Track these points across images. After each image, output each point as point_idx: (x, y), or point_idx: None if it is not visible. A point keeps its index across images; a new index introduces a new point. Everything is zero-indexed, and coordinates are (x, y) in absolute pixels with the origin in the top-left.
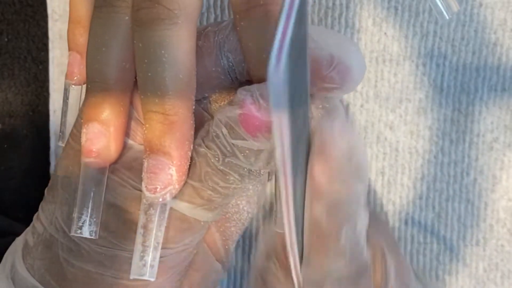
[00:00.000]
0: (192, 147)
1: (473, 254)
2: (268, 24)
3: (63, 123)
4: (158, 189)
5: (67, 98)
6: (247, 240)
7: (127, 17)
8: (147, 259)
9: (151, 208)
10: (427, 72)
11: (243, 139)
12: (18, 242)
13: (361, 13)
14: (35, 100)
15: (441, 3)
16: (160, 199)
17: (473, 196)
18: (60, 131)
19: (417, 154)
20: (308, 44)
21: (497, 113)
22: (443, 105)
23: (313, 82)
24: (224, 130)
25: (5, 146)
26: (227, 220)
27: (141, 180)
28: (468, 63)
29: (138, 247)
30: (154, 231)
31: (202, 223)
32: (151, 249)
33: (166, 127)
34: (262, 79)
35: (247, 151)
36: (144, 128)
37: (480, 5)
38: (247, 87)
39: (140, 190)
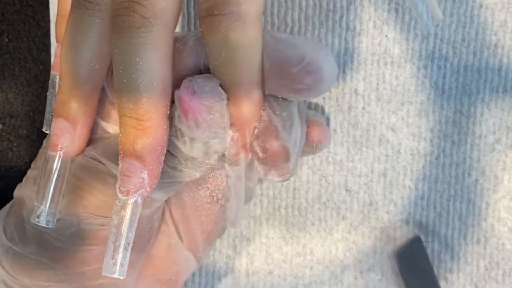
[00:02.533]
0: (165, 151)
1: (474, 253)
2: (222, 32)
3: (48, 111)
4: (130, 192)
5: (53, 88)
6: (249, 240)
7: (98, 20)
8: (118, 258)
9: (123, 210)
10: (429, 74)
11: (183, 122)
12: (7, 205)
13: (362, 15)
14: (36, 100)
15: (426, 12)
16: (132, 201)
17: (474, 196)
18: (45, 119)
19: (419, 155)
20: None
21: (499, 114)
22: (444, 107)
23: (283, 83)
24: (177, 112)
25: (6, 146)
26: (197, 209)
27: (102, 153)
28: (469, 65)
29: (109, 245)
30: (125, 232)
31: (147, 199)
32: (121, 249)
33: (140, 132)
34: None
35: (186, 137)
36: (119, 132)
37: (481, 6)
38: (196, 75)
39: (97, 161)
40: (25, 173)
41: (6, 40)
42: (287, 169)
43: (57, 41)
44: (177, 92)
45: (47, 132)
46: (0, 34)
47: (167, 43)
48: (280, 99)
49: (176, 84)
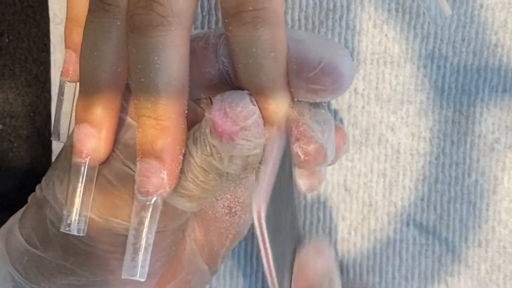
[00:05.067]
0: (184, 151)
1: (475, 256)
2: (255, 29)
3: (56, 119)
4: (149, 192)
5: (62, 95)
6: (247, 240)
7: (119, 22)
8: (138, 260)
9: (143, 211)
10: (428, 74)
11: (216, 139)
12: (23, 207)
13: (361, 15)
14: (36, 101)
15: (435, 7)
16: (152, 202)
17: (475, 197)
18: (53, 127)
19: (419, 155)
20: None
21: (498, 114)
22: (444, 107)
23: (300, 83)
24: (208, 129)
25: (6, 147)
26: (216, 220)
27: (131, 158)
28: (469, 65)
29: (129, 248)
30: (145, 233)
31: (178, 211)
32: (142, 250)
33: (158, 132)
34: (247, 83)
35: (222, 153)
36: (137, 132)
37: (481, 6)
38: (225, 92)
39: (128, 168)
40: (26, 174)
41: (7, 40)
42: (319, 175)
43: (66, 47)
44: (208, 114)
45: (56, 141)
46: (1, 35)
47: (184, 42)
48: (313, 104)
49: (197, 83)
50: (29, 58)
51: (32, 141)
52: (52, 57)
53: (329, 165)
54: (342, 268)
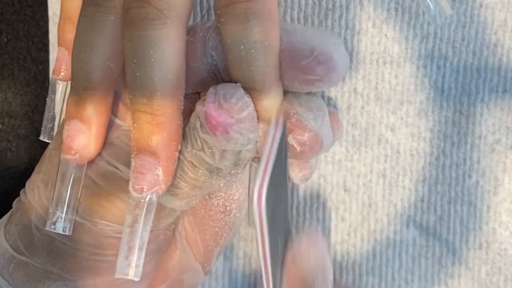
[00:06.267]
0: (179, 148)
1: (475, 258)
2: (247, 20)
3: (46, 117)
4: (144, 189)
5: (53, 93)
6: (247, 241)
7: (112, 17)
8: (132, 259)
9: (137, 208)
10: (428, 74)
11: (208, 134)
12: (8, 213)
13: (361, 15)
14: (35, 100)
15: (434, 7)
16: (147, 199)
17: (475, 198)
18: (43, 126)
19: (418, 156)
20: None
21: (498, 114)
22: (444, 107)
23: (294, 75)
24: (198, 123)
25: (5, 146)
26: (210, 219)
27: (117, 157)
28: (468, 64)
29: (123, 246)
30: (139, 231)
31: (168, 209)
32: (136, 249)
33: (154, 127)
34: (239, 76)
35: (214, 148)
36: (132, 128)
37: (481, 6)
38: (218, 85)
39: (114, 167)
40: (24, 173)
41: (5, 40)
42: (311, 165)
43: (59, 44)
44: (201, 108)
45: (45, 140)
46: None
47: (181, 36)
48: (305, 93)
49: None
50: (28, 57)
51: (31, 141)
52: (51, 57)
53: (326, 151)
54: (342, 269)
